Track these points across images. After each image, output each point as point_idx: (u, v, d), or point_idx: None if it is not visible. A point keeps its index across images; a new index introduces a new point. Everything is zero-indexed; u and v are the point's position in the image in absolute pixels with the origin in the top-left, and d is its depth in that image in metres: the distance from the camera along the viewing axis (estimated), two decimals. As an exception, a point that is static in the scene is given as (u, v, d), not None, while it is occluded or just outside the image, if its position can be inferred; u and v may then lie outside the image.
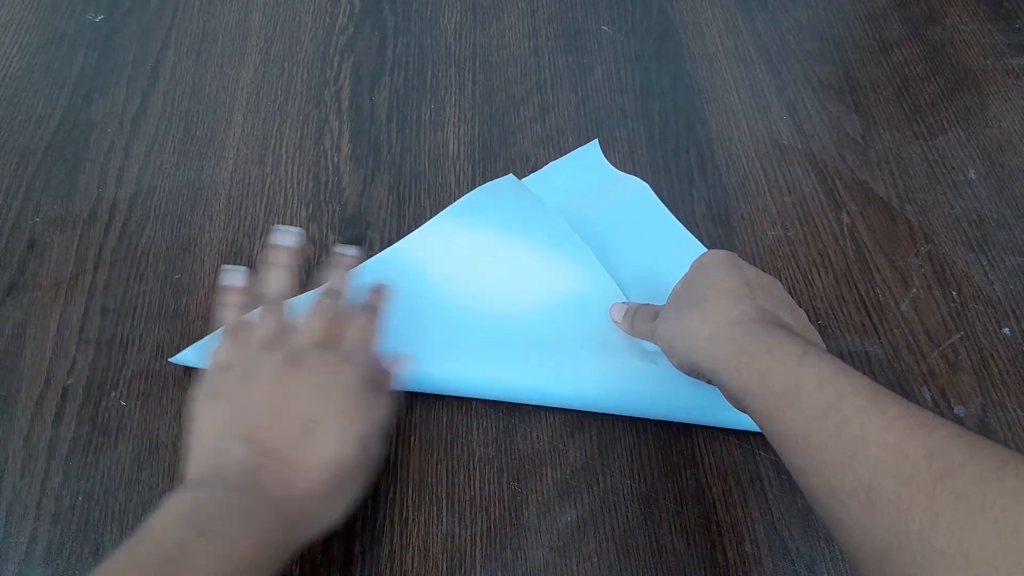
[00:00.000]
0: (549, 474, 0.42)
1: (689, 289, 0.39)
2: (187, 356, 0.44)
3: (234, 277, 0.41)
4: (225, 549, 0.29)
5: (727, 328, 0.34)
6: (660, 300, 0.43)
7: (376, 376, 0.38)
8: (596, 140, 0.55)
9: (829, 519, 0.28)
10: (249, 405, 0.35)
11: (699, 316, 0.36)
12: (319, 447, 0.34)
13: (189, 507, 0.30)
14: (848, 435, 0.28)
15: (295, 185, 0.52)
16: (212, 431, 0.35)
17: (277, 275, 0.41)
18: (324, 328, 0.39)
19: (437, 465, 0.42)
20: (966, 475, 0.25)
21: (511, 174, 0.51)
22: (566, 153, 0.55)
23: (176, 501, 0.30)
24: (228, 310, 0.41)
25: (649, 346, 0.43)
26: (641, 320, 0.43)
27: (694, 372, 0.37)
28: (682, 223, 0.51)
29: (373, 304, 0.42)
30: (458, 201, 0.49)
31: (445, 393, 0.44)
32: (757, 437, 0.43)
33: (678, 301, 0.39)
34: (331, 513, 0.35)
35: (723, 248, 0.50)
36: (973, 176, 0.54)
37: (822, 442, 0.28)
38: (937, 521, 0.24)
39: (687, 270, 0.40)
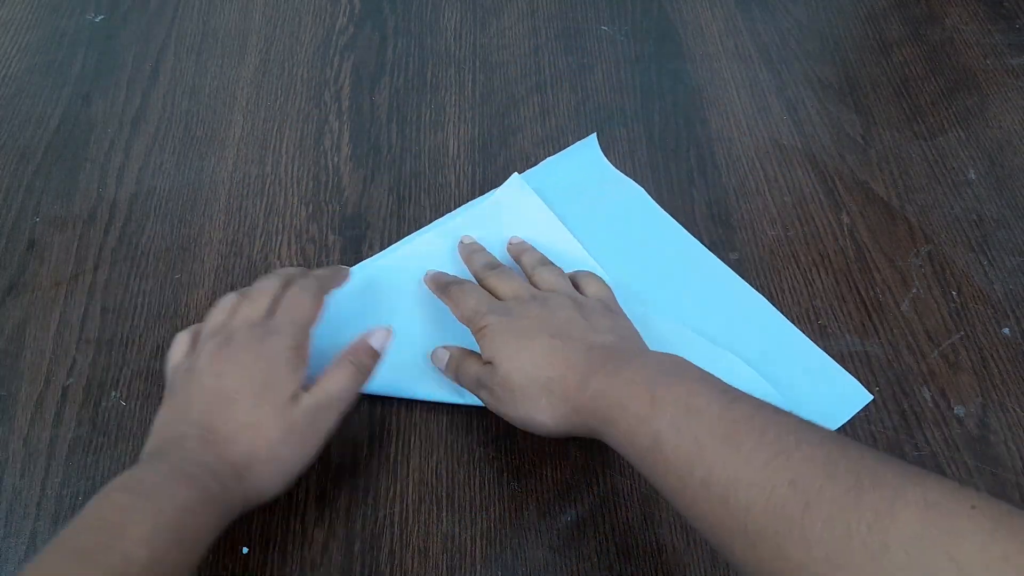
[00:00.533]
0: (549, 474, 0.42)
1: (516, 383, 0.37)
2: None
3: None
4: (162, 504, 0.30)
5: (572, 414, 0.36)
6: (664, 301, 0.43)
7: (304, 344, 0.38)
8: (594, 134, 0.55)
9: (722, 554, 0.29)
10: (190, 390, 0.37)
11: (541, 413, 0.36)
12: (239, 416, 0.35)
13: (126, 478, 0.32)
14: (716, 481, 0.29)
15: (295, 185, 0.52)
16: (162, 421, 0.37)
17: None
18: (263, 306, 0.39)
19: (437, 465, 0.42)
20: (827, 499, 0.25)
21: (515, 173, 0.51)
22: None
23: (116, 478, 0.32)
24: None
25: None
26: (467, 377, 0.41)
27: (536, 430, 0.38)
28: (682, 223, 0.51)
29: (321, 277, 0.42)
30: (464, 209, 0.50)
31: (439, 400, 0.44)
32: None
33: (517, 395, 0.37)
34: (272, 475, 0.36)
35: (723, 251, 0.50)
36: (973, 176, 0.54)
37: (696, 494, 0.29)
38: (811, 551, 0.25)
39: (487, 341, 0.39)
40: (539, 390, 0.36)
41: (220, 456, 0.34)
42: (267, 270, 0.48)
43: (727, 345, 0.45)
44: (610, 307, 0.42)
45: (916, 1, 0.65)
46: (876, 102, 0.58)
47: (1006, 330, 0.47)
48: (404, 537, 0.40)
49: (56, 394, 0.43)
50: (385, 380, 0.42)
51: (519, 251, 0.47)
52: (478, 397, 0.40)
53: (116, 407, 0.43)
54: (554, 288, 0.42)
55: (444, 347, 0.43)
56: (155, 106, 0.56)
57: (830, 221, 0.52)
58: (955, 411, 0.44)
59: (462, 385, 0.41)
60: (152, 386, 0.44)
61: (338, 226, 0.51)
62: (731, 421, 0.30)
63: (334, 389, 0.38)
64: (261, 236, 0.50)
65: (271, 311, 0.39)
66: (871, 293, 0.49)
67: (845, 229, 0.51)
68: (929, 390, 0.45)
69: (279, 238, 0.50)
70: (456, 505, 0.41)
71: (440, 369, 0.43)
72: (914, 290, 0.49)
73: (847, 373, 0.45)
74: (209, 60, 0.59)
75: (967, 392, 0.45)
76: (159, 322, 0.46)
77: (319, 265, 0.49)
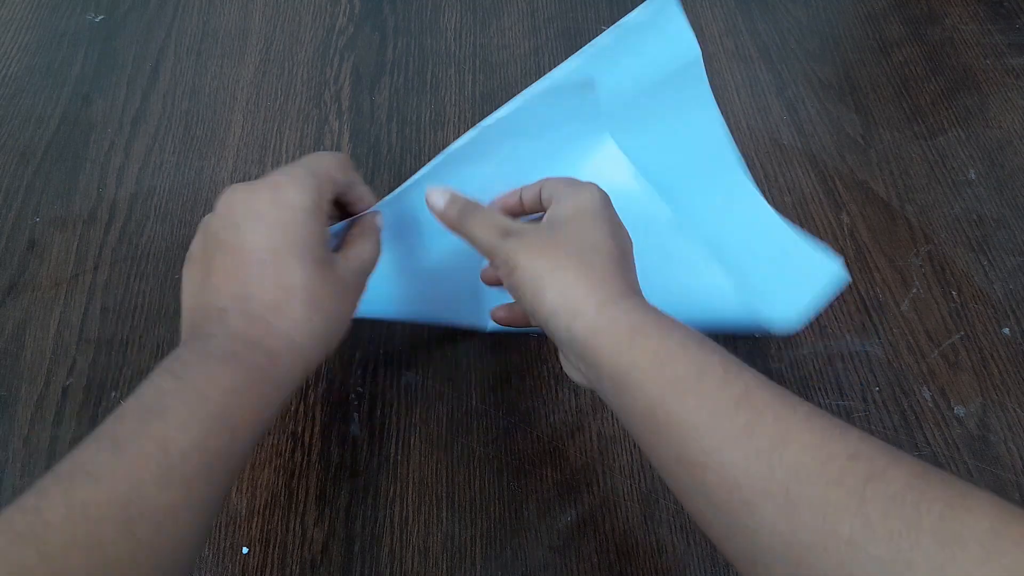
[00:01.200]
0: (549, 474, 0.42)
1: (577, 234, 0.33)
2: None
3: None
4: (203, 387, 0.28)
5: (618, 301, 0.31)
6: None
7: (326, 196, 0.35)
8: None
9: (720, 520, 0.26)
10: (214, 255, 0.33)
11: (586, 284, 0.31)
12: (277, 278, 0.31)
13: (168, 361, 0.30)
14: (762, 432, 0.25)
15: (295, 185, 0.52)
16: (189, 294, 0.34)
17: None
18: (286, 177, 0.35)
19: (437, 465, 0.42)
20: (894, 480, 0.24)
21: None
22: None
23: (164, 360, 0.30)
24: None
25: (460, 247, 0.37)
26: (482, 226, 0.35)
27: (542, 324, 0.33)
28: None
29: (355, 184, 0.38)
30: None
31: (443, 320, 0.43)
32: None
33: (562, 245, 0.33)
34: (320, 333, 0.32)
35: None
36: (973, 176, 0.54)
37: (730, 436, 0.26)
38: (872, 528, 0.23)
39: (568, 198, 0.35)
40: (607, 260, 0.32)
41: (267, 328, 0.30)
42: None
43: (712, 230, 0.43)
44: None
45: (916, 1, 0.65)
46: (876, 102, 0.58)
47: (1006, 330, 0.47)
48: (404, 537, 0.40)
49: (56, 394, 0.43)
50: (399, 299, 0.40)
51: None
52: (490, 258, 0.35)
53: (116, 407, 0.43)
54: None
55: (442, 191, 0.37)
56: (155, 106, 0.56)
57: (830, 221, 0.52)
58: (955, 411, 0.44)
59: (465, 235, 0.36)
60: (152, 386, 0.44)
61: (338, 226, 0.51)
62: (780, 387, 0.27)
63: (367, 255, 0.35)
64: (261, 236, 0.50)
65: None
66: (871, 293, 0.49)
67: (845, 229, 0.51)
68: (929, 390, 0.45)
69: (279, 238, 0.50)
70: (456, 505, 0.41)
71: (432, 207, 0.37)
72: (914, 290, 0.49)
73: (820, 250, 0.44)
74: (209, 60, 0.59)
75: (967, 392, 0.45)
76: (159, 322, 0.46)
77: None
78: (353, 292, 0.35)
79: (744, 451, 0.25)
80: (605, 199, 0.35)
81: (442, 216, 0.37)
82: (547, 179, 0.38)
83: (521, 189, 0.40)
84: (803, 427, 0.25)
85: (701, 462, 0.26)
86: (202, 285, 0.33)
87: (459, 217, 0.36)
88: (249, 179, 0.52)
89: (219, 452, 0.27)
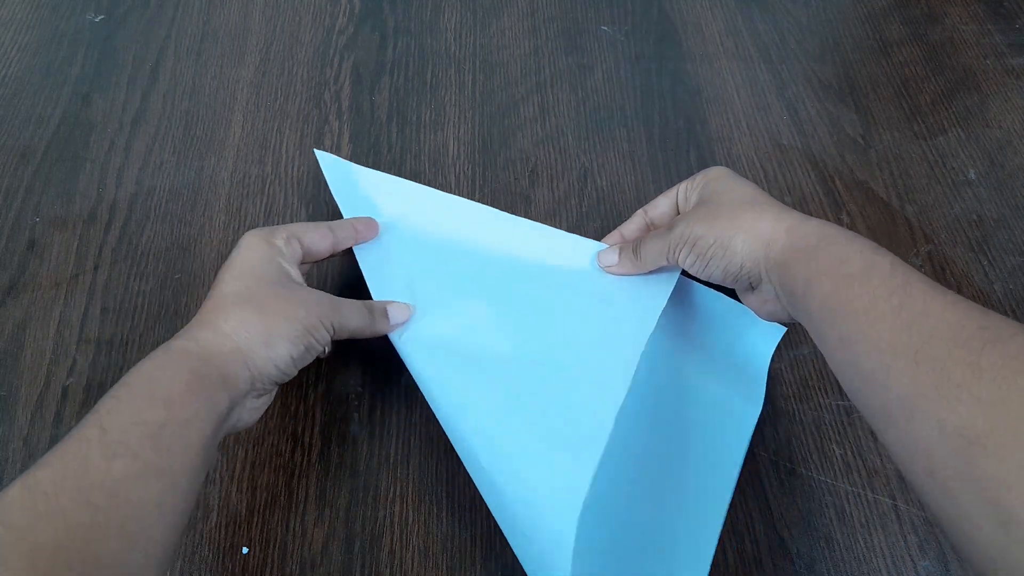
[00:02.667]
0: (549, 474, 0.42)
1: (733, 194, 0.40)
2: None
3: None
4: (130, 377, 0.31)
5: (800, 224, 0.36)
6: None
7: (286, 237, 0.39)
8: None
9: (863, 385, 0.30)
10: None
11: (770, 215, 0.37)
12: (224, 288, 0.36)
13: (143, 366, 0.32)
14: (910, 309, 0.29)
15: (295, 185, 0.53)
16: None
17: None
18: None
19: (437, 465, 0.42)
20: (1016, 342, 0.26)
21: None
22: (566, 153, 0.55)
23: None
24: None
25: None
26: (655, 241, 0.42)
27: (733, 274, 0.38)
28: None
29: (341, 226, 0.42)
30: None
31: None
32: (757, 437, 0.43)
33: (727, 205, 0.39)
34: (240, 332, 0.34)
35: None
36: (973, 176, 0.54)
37: (883, 313, 0.30)
38: (981, 374, 0.26)
39: (701, 181, 0.42)
40: (770, 200, 0.39)
41: (201, 321, 0.34)
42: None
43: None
44: None
45: (916, 1, 0.65)
46: (876, 102, 0.58)
47: (1006, 330, 0.47)
48: (404, 537, 0.40)
49: (56, 394, 0.44)
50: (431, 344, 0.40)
51: None
52: (675, 262, 0.40)
53: (116, 407, 0.43)
54: None
55: (609, 247, 0.45)
56: (155, 106, 0.56)
57: (830, 221, 0.52)
58: (955, 411, 0.44)
59: (650, 267, 0.43)
60: (152, 386, 0.44)
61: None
62: (944, 287, 0.31)
63: (350, 315, 0.38)
64: (261, 236, 0.50)
65: None
66: (871, 293, 0.49)
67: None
68: (929, 390, 0.45)
69: (279, 238, 0.50)
70: (456, 505, 0.41)
71: (610, 267, 0.45)
72: (914, 290, 0.49)
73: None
74: (209, 60, 0.59)
75: (967, 392, 0.45)
76: (159, 322, 0.46)
77: (318, 265, 0.49)
78: (308, 323, 0.36)
79: (891, 324, 0.29)
80: (731, 169, 0.43)
81: (621, 269, 0.45)
82: (671, 191, 0.45)
83: (640, 212, 0.47)
84: (946, 305, 0.29)
85: (856, 337, 0.31)
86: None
87: (635, 258, 0.43)
88: (248, 179, 0.53)
89: (160, 423, 0.30)
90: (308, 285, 0.40)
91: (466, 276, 0.44)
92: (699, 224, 0.39)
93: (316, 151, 0.47)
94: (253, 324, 0.34)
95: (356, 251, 0.43)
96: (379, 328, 0.40)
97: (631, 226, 0.47)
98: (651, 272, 0.44)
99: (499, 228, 0.47)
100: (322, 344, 0.37)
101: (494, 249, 0.46)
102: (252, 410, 0.36)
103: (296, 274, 0.39)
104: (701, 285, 0.45)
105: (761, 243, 0.37)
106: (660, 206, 0.46)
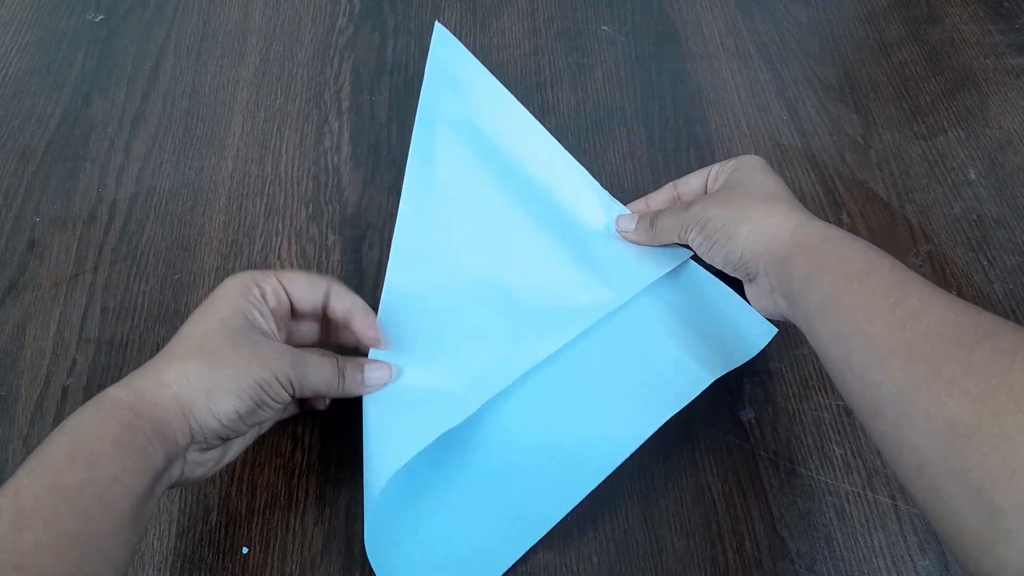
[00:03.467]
0: (549, 474, 0.42)
1: (755, 185, 0.41)
2: None
3: None
4: (54, 435, 0.30)
5: (806, 224, 0.37)
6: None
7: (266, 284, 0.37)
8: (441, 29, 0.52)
9: (857, 381, 0.30)
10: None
11: (781, 211, 0.38)
12: (182, 330, 0.35)
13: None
14: (905, 306, 0.30)
15: (295, 185, 0.53)
16: None
17: None
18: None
19: (437, 465, 0.42)
20: (1007, 339, 0.26)
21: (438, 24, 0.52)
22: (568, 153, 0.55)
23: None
24: None
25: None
26: (671, 216, 0.43)
27: (734, 260, 0.39)
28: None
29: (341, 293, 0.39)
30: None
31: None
32: (757, 437, 0.43)
33: (745, 195, 0.40)
34: (203, 402, 0.32)
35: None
36: (973, 176, 0.54)
37: (878, 310, 0.30)
38: (971, 369, 0.26)
39: (732, 166, 0.43)
40: (788, 196, 0.40)
41: (143, 373, 0.32)
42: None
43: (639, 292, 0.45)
44: None
45: (916, 1, 0.65)
46: (876, 102, 0.58)
47: (1006, 330, 0.47)
48: (404, 537, 0.40)
49: (56, 394, 0.44)
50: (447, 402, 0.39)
51: None
52: (685, 241, 0.42)
53: (116, 407, 0.43)
54: None
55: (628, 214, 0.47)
56: (155, 106, 0.56)
57: (830, 221, 0.52)
58: (955, 411, 0.44)
59: (663, 240, 0.45)
60: (152, 386, 0.44)
61: (338, 226, 0.51)
62: (940, 288, 0.31)
63: (314, 373, 0.36)
64: (261, 236, 0.50)
65: None
66: (871, 293, 0.49)
67: (845, 229, 0.51)
68: (929, 390, 0.45)
69: (279, 238, 0.50)
70: (456, 505, 0.41)
71: (626, 233, 0.46)
72: (914, 290, 0.49)
73: (753, 310, 0.43)
74: (209, 60, 0.59)
75: (967, 392, 0.45)
76: (159, 322, 0.46)
77: (318, 266, 0.49)
78: (258, 348, 0.34)
79: (886, 320, 0.30)
80: (765, 161, 0.43)
81: (635, 237, 0.46)
82: (704, 170, 0.46)
83: (670, 186, 0.48)
84: (942, 305, 0.29)
85: (851, 333, 0.31)
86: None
87: (650, 229, 0.45)
88: (248, 179, 0.52)
89: (79, 486, 0.28)
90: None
91: (490, 190, 0.49)
92: (713, 207, 0.40)
93: (438, 24, 0.52)
94: (197, 374, 0.32)
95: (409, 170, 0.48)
96: (350, 390, 0.37)
97: (659, 197, 0.48)
98: (664, 246, 0.46)
99: (545, 158, 0.51)
100: (279, 401, 0.34)
101: (530, 174, 0.50)
102: (197, 464, 0.34)
103: (268, 326, 0.36)
104: (708, 274, 0.46)
105: (765, 237, 0.38)
106: (691, 183, 0.47)
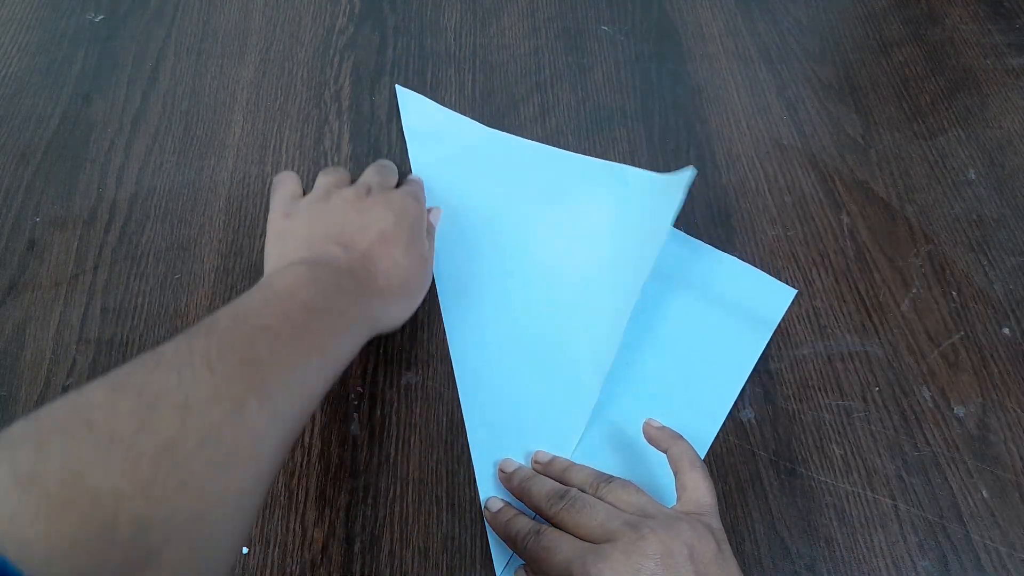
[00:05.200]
0: (549, 474, 0.42)
1: None
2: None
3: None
4: (335, 320, 0.35)
5: None
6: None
7: (426, 223, 0.46)
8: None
9: None
10: (331, 219, 0.42)
11: None
12: (394, 254, 0.41)
13: (310, 278, 0.36)
14: None
15: (295, 185, 0.52)
16: (301, 236, 0.41)
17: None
18: (380, 179, 0.46)
19: (437, 465, 0.42)
20: None
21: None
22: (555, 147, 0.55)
23: (298, 271, 0.36)
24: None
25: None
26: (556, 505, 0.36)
27: None
28: (682, 224, 0.51)
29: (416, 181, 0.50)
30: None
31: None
32: (757, 437, 0.43)
33: None
34: (397, 312, 0.41)
35: (724, 248, 0.50)
36: (973, 176, 0.54)
37: None
38: None
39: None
40: None
41: (372, 284, 0.39)
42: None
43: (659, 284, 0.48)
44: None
45: (916, 1, 0.65)
46: (876, 102, 0.58)
47: (1006, 330, 0.47)
48: (404, 537, 0.40)
49: (56, 394, 0.43)
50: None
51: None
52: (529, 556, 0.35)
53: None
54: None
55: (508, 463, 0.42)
56: (155, 106, 0.56)
57: (830, 221, 0.52)
58: (955, 411, 0.44)
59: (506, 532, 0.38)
60: (152, 386, 0.44)
61: (338, 226, 0.51)
62: None
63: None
64: (261, 236, 0.50)
65: (389, 183, 0.47)
66: (871, 293, 0.49)
67: (845, 229, 0.51)
68: (929, 390, 0.45)
69: (279, 238, 0.50)
70: (456, 505, 0.41)
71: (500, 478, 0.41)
72: (914, 290, 0.49)
73: (768, 276, 0.49)
74: (209, 60, 0.59)
75: (967, 392, 0.45)
76: (159, 322, 0.46)
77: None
78: (430, 263, 0.44)
79: None
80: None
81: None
82: (680, 443, 0.38)
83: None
84: None
85: None
86: (319, 233, 0.41)
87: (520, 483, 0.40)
88: (248, 179, 0.53)
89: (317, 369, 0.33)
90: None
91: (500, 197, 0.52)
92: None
93: (398, 87, 0.56)
94: (407, 315, 0.43)
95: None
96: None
97: None
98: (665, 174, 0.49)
99: (535, 160, 0.54)
100: None
101: (533, 183, 0.53)
102: None
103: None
104: (719, 251, 0.50)
105: None
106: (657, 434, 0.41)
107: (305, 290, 0.35)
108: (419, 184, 0.49)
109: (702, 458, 0.40)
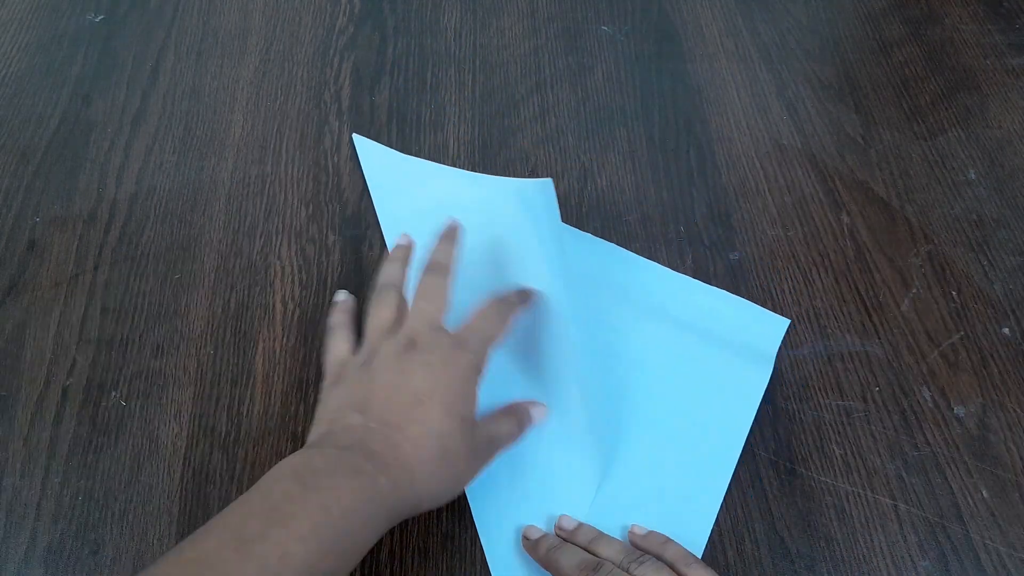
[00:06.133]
0: (549, 474, 0.42)
1: None
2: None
3: (342, 295, 0.46)
4: (327, 500, 0.30)
5: None
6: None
7: (484, 365, 0.38)
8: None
9: None
10: (369, 384, 0.36)
11: None
12: (427, 419, 0.35)
13: (298, 463, 0.32)
14: None
15: (295, 185, 0.52)
16: (332, 407, 0.37)
17: (393, 266, 0.42)
18: (436, 308, 0.39)
19: (437, 465, 0.42)
20: None
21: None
22: (566, 153, 0.55)
23: (288, 460, 0.32)
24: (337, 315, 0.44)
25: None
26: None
27: None
28: (682, 223, 0.51)
29: (509, 301, 0.40)
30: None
31: None
32: (757, 437, 0.43)
33: None
34: (440, 487, 0.35)
35: (723, 251, 0.50)
36: (973, 176, 0.54)
37: None
38: None
39: None
40: None
41: (398, 455, 0.33)
42: (267, 270, 0.48)
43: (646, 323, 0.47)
44: None
45: (916, 1, 0.65)
46: (876, 102, 0.58)
47: (1006, 330, 0.47)
48: (404, 537, 0.40)
49: (56, 394, 0.44)
50: None
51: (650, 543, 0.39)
52: None
53: (116, 407, 0.43)
54: None
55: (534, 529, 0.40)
56: (155, 106, 0.56)
57: (830, 221, 0.52)
58: (955, 411, 0.44)
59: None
60: (152, 386, 0.44)
61: (338, 226, 0.51)
62: None
63: (504, 432, 0.39)
64: (261, 236, 0.50)
65: (442, 309, 0.39)
66: (871, 293, 0.49)
67: (845, 229, 0.51)
68: (929, 390, 0.45)
69: (279, 238, 0.50)
70: (456, 505, 0.41)
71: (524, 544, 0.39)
72: (914, 290, 0.49)
73: (759, 307, 0.47)
74: (209, 60, 0.59)
75: (967, 392, 0.45)
76: (159, 322, 0.46)
77: (318, 266, 0.49)
78: (481, 459, 0.37)
79: None
80: None
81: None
82: (669, 548, 0.38)
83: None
84: None
85: None
86: (346, 403, 0.36)
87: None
88: (248, 179, 0.52)
89: (331, 571, 0.30)
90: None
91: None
92: None
93: (355, 136, 0.53)
94: (441, 477, 0.35)
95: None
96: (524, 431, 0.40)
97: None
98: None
99: (493, 194, 0.49)
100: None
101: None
102: None
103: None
104: (708, 286, 0.48)
105: None
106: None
107: (281, 483, 0.31)
108: (498, 311, 0.39)
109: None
